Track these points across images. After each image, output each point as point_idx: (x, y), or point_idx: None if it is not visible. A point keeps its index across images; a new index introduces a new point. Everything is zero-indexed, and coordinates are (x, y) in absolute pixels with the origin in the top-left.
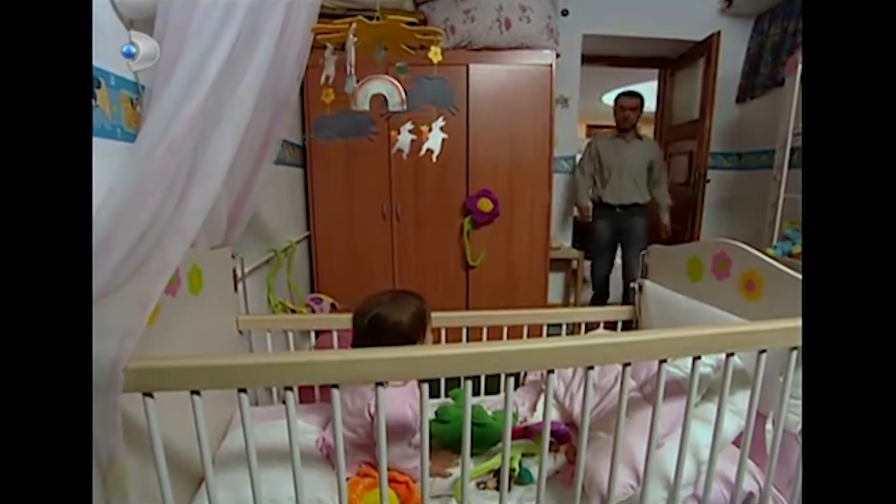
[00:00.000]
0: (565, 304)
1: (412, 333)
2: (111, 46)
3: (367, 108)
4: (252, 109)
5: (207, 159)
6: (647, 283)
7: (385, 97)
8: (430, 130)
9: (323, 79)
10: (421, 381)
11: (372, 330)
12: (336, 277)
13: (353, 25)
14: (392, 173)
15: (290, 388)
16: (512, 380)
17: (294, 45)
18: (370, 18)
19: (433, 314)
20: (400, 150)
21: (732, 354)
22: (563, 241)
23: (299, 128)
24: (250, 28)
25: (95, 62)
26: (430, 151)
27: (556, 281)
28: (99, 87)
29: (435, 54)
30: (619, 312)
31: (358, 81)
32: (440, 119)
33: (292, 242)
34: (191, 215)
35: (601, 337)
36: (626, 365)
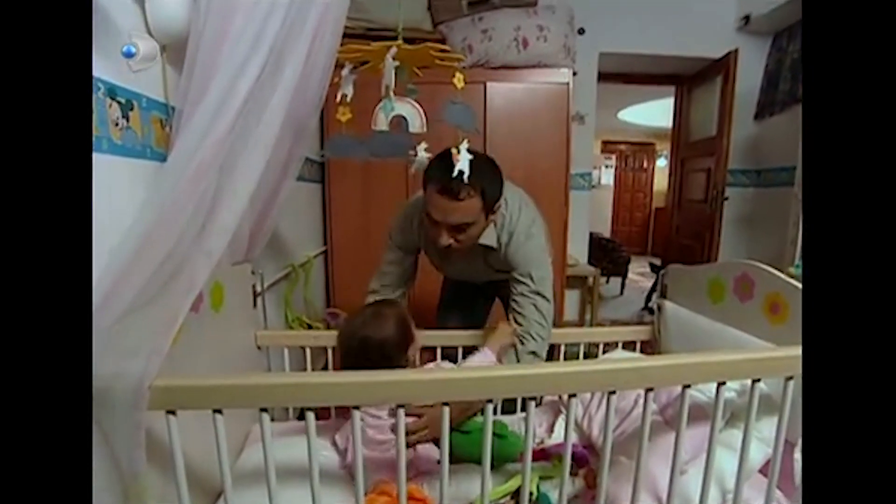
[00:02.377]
0: (581, 322)
1: (400, 344)
2: (145, 70)
3: (386, 129)
4: (278, 131)
5: (235, 180)
6: (667, 304)
7: (405, 119)
8: (458, 153)
9: (339, 97)
10: (443, 404)
11: (362, 351)
12: (352, 292)
13: (393, 49)
14: (409, 189)
15: (312, 409)
16: (532, 403)
17: (318, 68)
18: (391, 38)
19: (447, 332)
20: (417, 170)
21: (758, 381)
22: (578, 257)
23: (318, 145)
24: (278, 53)
25: (129, 85)
26: (461, 173)
27: (571, 298)
28: (132, 109)
29: (459, 80)
30: (638, 333)
31: (380, 102)
32: (465, 142)
33: (310, 257)
34: (217, 235)
35: (623, 361)
36: (648, 390)
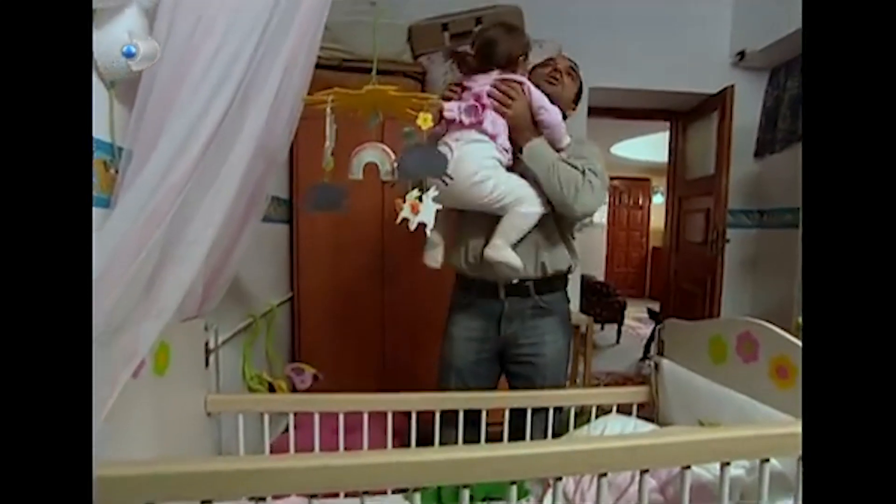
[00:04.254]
0: (573, 376)
1: (512, 51)
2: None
3: (360, 177)
4: (243, 171)
5: (193, 230)
6: (665, 363)
7: (377, 165)
8: (421, 202)
9: (326, 154)
10: (414, 489)
11: (485, 44)
12: (320, 343)
13: (330, 98)
14: (385, 232)
15: (264, 499)
16: (514, 487)
17: (287, 103)
18: (367, 71)
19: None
20: (405, 220)
21: (768, 460)
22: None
23: (287, 181)
24: (245, 91)
25: None
26: (421, 226)
27: None
28: None
29: (424, 121)
30: (635, 394)
31: (355, 149)
32: (433, 189)
33: (273, 306)
34: (170, 292)
35: (615, 439)
36: (643, 472)
